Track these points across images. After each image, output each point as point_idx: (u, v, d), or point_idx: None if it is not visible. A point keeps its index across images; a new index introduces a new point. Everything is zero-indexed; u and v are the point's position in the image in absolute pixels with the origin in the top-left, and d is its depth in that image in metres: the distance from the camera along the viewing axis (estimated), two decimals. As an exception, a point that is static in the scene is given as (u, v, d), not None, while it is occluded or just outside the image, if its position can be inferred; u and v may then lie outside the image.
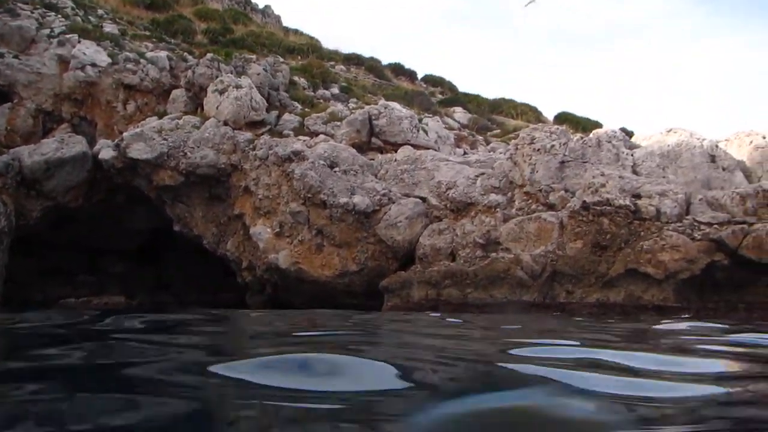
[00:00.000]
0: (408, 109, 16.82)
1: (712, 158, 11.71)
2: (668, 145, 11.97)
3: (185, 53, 17.67)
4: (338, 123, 15.45)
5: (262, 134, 14.65)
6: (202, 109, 15.34)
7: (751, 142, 12.44)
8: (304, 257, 12.65)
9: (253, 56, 17.60)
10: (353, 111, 16.05)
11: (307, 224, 12.85)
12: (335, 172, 13.20)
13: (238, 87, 15.02)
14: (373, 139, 15.23)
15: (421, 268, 11.59)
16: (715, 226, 10.04)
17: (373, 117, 15.25)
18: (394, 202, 12.63)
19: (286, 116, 15.71)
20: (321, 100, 17.72)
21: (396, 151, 14.52)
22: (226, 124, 14.63)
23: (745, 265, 9.88)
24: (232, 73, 15.89)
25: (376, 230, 12.39)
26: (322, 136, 14.82)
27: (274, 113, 15.71)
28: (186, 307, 14.82)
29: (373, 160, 14.26)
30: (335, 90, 18.94)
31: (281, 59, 18.79)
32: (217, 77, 15.44)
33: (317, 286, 12.72)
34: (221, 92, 14.93)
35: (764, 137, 12.42)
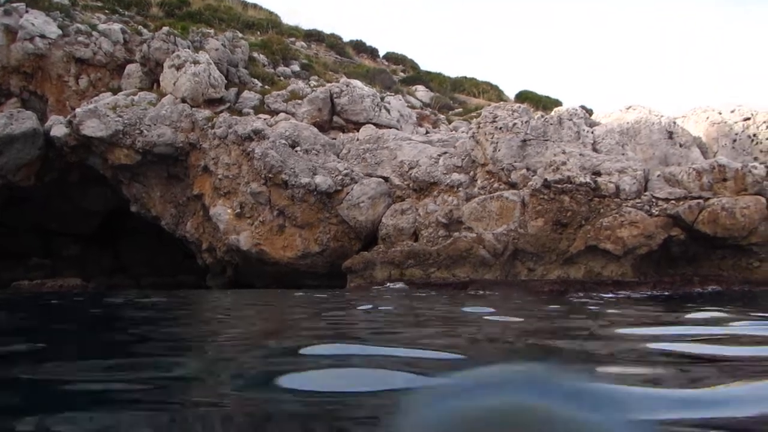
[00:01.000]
0: (370, 87, 16.64)
1: (670, 135, 11.87)
2: (627, 123, 12.08)
3: (140, 26, 17.08)
4: (299, 101, 15.18)
5: (221, 112, 14.30)
6: (159, 85, 14.88)
7: (707, 118, 12.64)
8: (266, 239, 12.46)
9: (211, 31, 17.12)
10: (314, 89, 15.78)
11: (268, 205, 12.63)
12: (297, 151, 12.98)
13: (195, 63, 14.59)
14: (335, 118, 15.02)
15: (384, 248, 11.53)
16: (672, 201, 10.21)
17: (335, 95, 15.03)
18: (356, 182, 12.50)
19: (246, 94, 15.36)
20: (281, 78, 17.38)
21: (358, 130, 14.35)
22: (183, 101, 14.22)
23: (700, 240, 10.09)
24: (189, 48, 15.43)
25: (339, 211, 12.26)
26: (282, 115, 14.55)
27: (234, 90, 15.35)
28: (148, 289, 14.51)
29: (335, 139, 14.07)
30: (296, 67, 18.61)
31: (240, 34, 18.32)
32: (173, 52, 14.97)
33: (279, 267, 12.56)
34: (178, 68, 14.48)
35: (720, 113, 12.64)
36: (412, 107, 17.69)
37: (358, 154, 13.31)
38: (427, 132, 15.94)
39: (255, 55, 17.75)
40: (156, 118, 13.68)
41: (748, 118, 12.62)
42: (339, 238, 12.32)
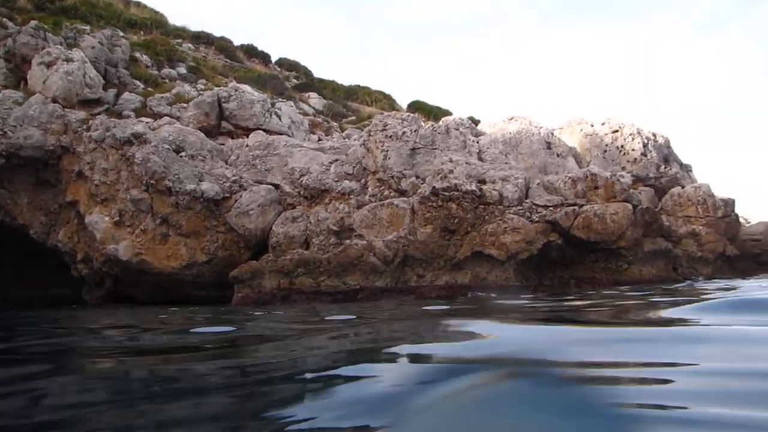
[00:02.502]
0: (260, 92, 16.31)
1: (549, 145, 12.53)
2: (510, 133, 12.62)
3: (4, 19, 15.72)
4: (185, 105, 14.59)
5: (98, 114, 13.44)
6: (26, 83, 13.75)
7: (581, 129, 13.48)
8: (148, 248, 11.82)
9: (87, 27, 16.08)
10: (201, 92, 15.24)
11: (150, 212, 12.00)
12: (182, 157, 12.44)
13: (68, 60, 13.63)
14: (223, 123, 14.57)
15: (273, 257, 11.28)
16: (551, 208, 10.76)
17: (223, 100, 14.58)
18: (245, 189, 12.17)
19: (127, 95, 14.55)
20: (166, 80, 16.65)
21: (247, 136, 14.01)
22: (55, 101, 13.23)
23: (576, 244, 10.70)
24: (62, 45, 14.39)
25: (227, 218, 11.87)
26: (166, 119, 13.91)
27: (113, 92, 14.49)
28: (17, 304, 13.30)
29: (223, 145, 13.64)
30: (182, 69, 17.90)
31: (121, 33, 17.36)
32: (43, 48, 13.90)
33: (163, 278, 11.95)
34: (48, 65, 13.46)
35: (592, 125, 13.52)
36: (305, 114, 17.53)
37: (247, 161, 12.98)
38: (319, 139, 15.84)
39: (137, 55, 16.90)
40: (22, 119, 12.63)
41: (617, 131, 13.60)
42: (228, 246, 11.93)
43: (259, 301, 10.65)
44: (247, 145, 13.31)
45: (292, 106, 16.60)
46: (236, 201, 11.95)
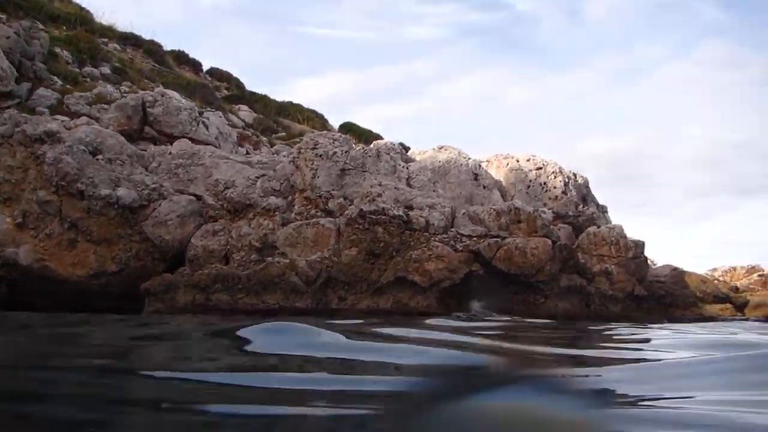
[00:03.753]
0: (189, 100, 15.82)
1: (476, 176, 12.77)
2: (439, 162, 12.78)
3: None
4: (106, 106, 13.92)
5: (8, 108, 12.58)
6: (-72, 70, 12.73)
7: (507, 164, 13.85)
8: (52, 254, 11.06)
9: (3, 16, 15.12)
10: (125, 95, 14.61)
11: (58, 216, 11.26)
12: (98, 159, 11.80)
13: (-22, 49, 12.73)
14: (147, 129, 13.98)
15: (190, 270, 10.81)
16: (475, 238, 10.90)
17: (148, 104, 14.01)
18: (165, 198, 11.66)
19: (42, 91, 13.73)
20: (87, 79, 15.88)
21: (171, 144, 13.48)
22: (-41, 91, 12.29)
23: (497, 275, 10.86)
24: (-28, 33, 13.45)
25: (143, 227, 11.31)
26: (84, 119, 13.21)
27: (26, 85, 13.63)
28: None
29: (144, 150, 13.06)
30: (106, 69, 17.13)
31: (41, 26, 16.44)
32: (-50, 34, 12.93)
33: (67, 286, 11.18)
34: (-45, 53, 12.52)
35: (518, 161, 13.92)
36: (234, 126, 17.13)
37: (169, 169, 12.47)
38: (247, 153, 15.49)
39: (58, 50, 16.03)
40: None
41: (540, 168, 14.05)
42: (141, 257, 11.33)
43: (171, 316, 10.14)
44: (170, 153, 12.80)
45: (221, 117, 16.18)
46: (154, 210, 11.42)
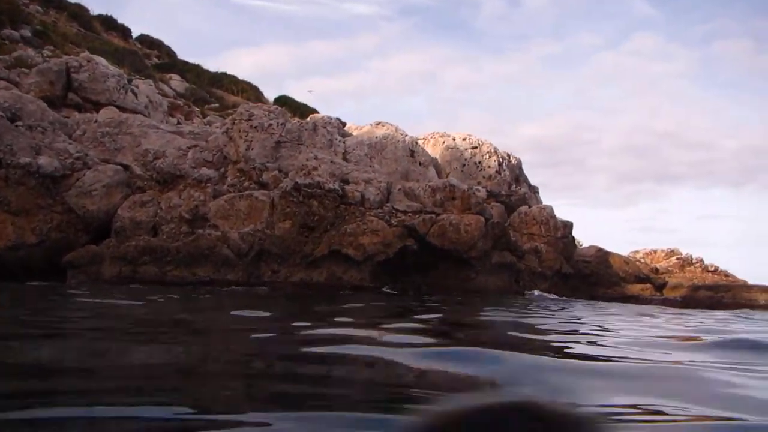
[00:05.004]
0: (117, 67, 15.14)
1: (412, 153, 12.83)
2: (376, 137, 12.76)
3: None
4: (27, 70, 13.19)
5: None
6: None
7: (443, 142, 13.97)
8: (-35, 223, 10.41)
9: None
10: (48, 59, 13.84)
11: (-28, 183, 10.59)
12: (17, 126, 11.14)
13: None
14: (71, 95, 13.32)
15: (116, 242, 10.42)
16: (410, 214, 10.97)
17: (73, 69, 13.33)
18: (90, 168, 11.16)
19: (-46, 51, 12.82)
20: (6, 41, 14.94)
21: (98, 111, 12.90)
22: None
23: (431, 251, 10.99)
24: None
25: (66, 198, 10.79)
26: (3, 83, 12.45)
27: (-63, 44, 12.70)
28: None
29: (68, 118, 12.44)
30: (27, 32, 16.17)
31: (-46, -18, 15.32)
32: None
33: (-19, 258, 10.57)
34: None
35: (454, 139, 14.07)
36: (165, 95, 16.54)
37: (95, 137, 11.93)
38: (178, 123, 15.01)
39: (-28, 8, 15.00)
40: None
41: (476, 147, 14.26)
42: (63, 228, 10.82)
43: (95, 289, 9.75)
44: (96, 121, 12.24)
45: (151, 86, 15.58)
46: (78, 180, 10.91)
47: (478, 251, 11.28)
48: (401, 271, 11.05)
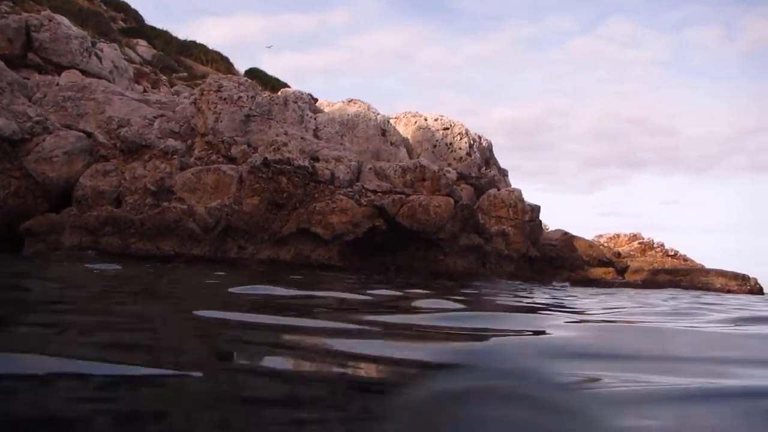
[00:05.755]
0: (80, 29, 14.56)
1: (384, 132, 12.71)
2: (348, 115, 12.59)
3: None
4: (-17, 26, 12.53)
5: None
6: None
7: (415, 122, 13.89)
8: None
9: None
10: (5, 15, 13.21)
11: (-77, 145, 10.12)
12: (-28, 85, 10.65)
13: None
14: (31, 55, 12.77)
15: (77, 211, 10.11)
16: (380, 194, 10.90)
17: (33, 28, 12.76)
18: (50, 133, 10.76)
19: None
20: (-39, -6, 14.19)
21: (59, 74, 12.41)
22: None
23: (400, 231, 10.96)
24: None
25: (24, 163, 10.40)
26: (-43, 38, 11.84)
27: None
28: None
29: (28, 79, 11.94)
30: (-16, -14, 15.37)
31: None
32: None
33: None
34: None
35: (426, 120, 13.99)
36: (131, 61, 16.01)
37: (56, 102, 11.49)
38: (144, 90, 14.56)
39: (-75, -43, 14.19)
40: None
41: (447, 128, 14.21)
42: (21, 194, 10.45)
43: (54, 258, 9.47)
44: (58, 84, 11.78)
45: (116, 50, 15.05)
46: (38, 145, 10.52)
47: (446, 233, 11.29)
48: (369, 251, 11.01)
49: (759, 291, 16.87)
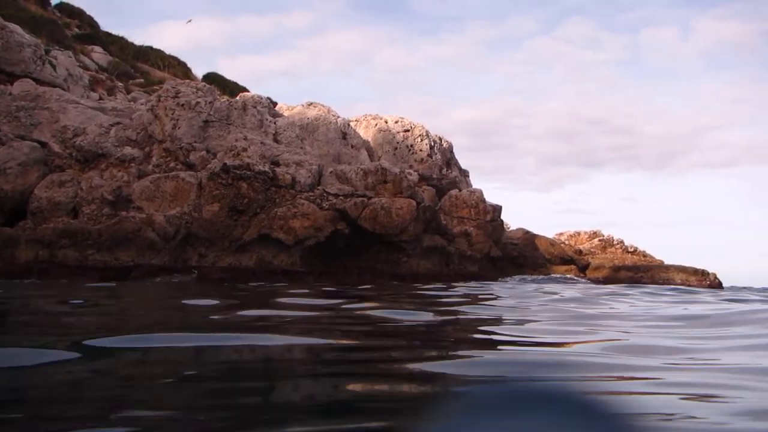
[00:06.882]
0: (33, 36, 14.26)
1: (344, 135, 12.76)
2: (308, 118, 12.60)
3: None
4: (-70, 35, 12.20)
5: None
6: None
7: (376, 125, 13.97)
8: None
9: None
10: (-46, 24, 12.86)
11: None
12: None
13: None
14: (-19, 64, 12.47)
15: (32, 224, 9.91)
16: (341, 197, 10.94)
17: (-17, 37, 12.46)
18: (3, 144, 10.54)
19: None
20: None
21: (12, 84, 12.14)
22: None
23: (362, 235, 11.02)
24: None
25: (-25, 175, 10.16)
26: None
27: None
28: None
29: (-22, 89, 11.66)
30: (-70, -6, 14.96)
31: None
32: None
33: None
34: None
35: (386, 122, 14.08)
36: (86, 69, 15.74)
37: (9, 111, 11.25)
38: (100, 98, 14.33)
39: None
40: None
41: (408, 130, 14.33)
42: (-27, 208, 10.21)
43: (10, 274, 9.26)
44: (10, 94, 11.52)
45: (70, 58, 14.78)
46: (-11, 156, 10.28)
47: (409, 235, 11.39)
48: (333, 255, 11.04)
49: (719, 285, 17.36)
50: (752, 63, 70.53)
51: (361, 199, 11.01)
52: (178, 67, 20.63)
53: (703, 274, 17.69)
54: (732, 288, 14.76)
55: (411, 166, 13.36)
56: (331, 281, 10.03)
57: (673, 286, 13.56)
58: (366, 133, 13.73)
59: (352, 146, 12.70)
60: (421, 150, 14.08)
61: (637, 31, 74.98)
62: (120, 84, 16.30)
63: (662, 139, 69.77)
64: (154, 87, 16.00)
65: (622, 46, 73.35)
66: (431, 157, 14.14)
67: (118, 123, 11.41)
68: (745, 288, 13.09)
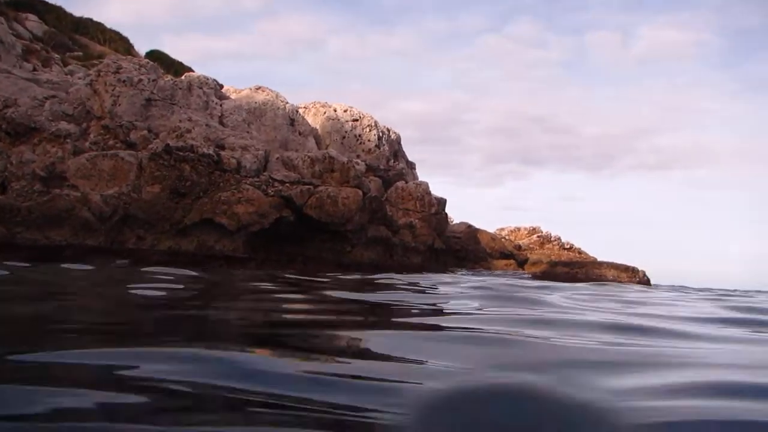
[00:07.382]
0: (-40, -2, 13.37)
1: (292, 122, 12.54)
2: (256, 103, 12.32)
3: None
4: None
5: None
6: None
7: (324, 113, 13.80)
8: None
9: None
10: None
11: None
12: None
13: None
14: None
15: (-45, 197, 9.31)
16: (287, 184, 10.77)
17: None
18: (-77, 111, 9.83)
19: None
20: None
21: (-65, 47, 11.35)
22: None
23: (307, 223, 10.90)
24: None
25: None
26: None
27: None
28: None
29: None
30: None
31: None
32: None
33: None
34: None
35: (335, 110, 13.93)
36: (19, 37, 14.88)
37: (-70, 77, 10.50)
38: (34, 69, 13.58)
39: None
40: None
41: (357, 120, 14.23)
42: None
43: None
44: (-68, 59, 10.77)
45: (2, 24, 13.93)
46: None
47: (354, 225, 11.34)
48: (276, 242, 10.88)
49: (647, 282, 18.08)
50: (687, 72, 73.88)
51: (307, 186, 10.87)
52: (119, 42, 19.78)
53: (633, 271, 18.38)
54: (657, 285, 15.43)
55: (359, 156, 13.28)
56: (274, 268, 9.89)
57: (600, 284, 14.11)
58: (314, 120, 13.55)
59: (299, 133, 12.51)
60: (369, 140, 14.03)
61: (581, 34, 77.23)
62: (56, 56, 15.49)
63: (600, 141, 72.24)
64: (93, 61, 15.31)
65: (567, 48, 75.38)
66: (379, 148, 14.10)
67: (53, 96, 10.84)
68: (682, 286, 13.71)
